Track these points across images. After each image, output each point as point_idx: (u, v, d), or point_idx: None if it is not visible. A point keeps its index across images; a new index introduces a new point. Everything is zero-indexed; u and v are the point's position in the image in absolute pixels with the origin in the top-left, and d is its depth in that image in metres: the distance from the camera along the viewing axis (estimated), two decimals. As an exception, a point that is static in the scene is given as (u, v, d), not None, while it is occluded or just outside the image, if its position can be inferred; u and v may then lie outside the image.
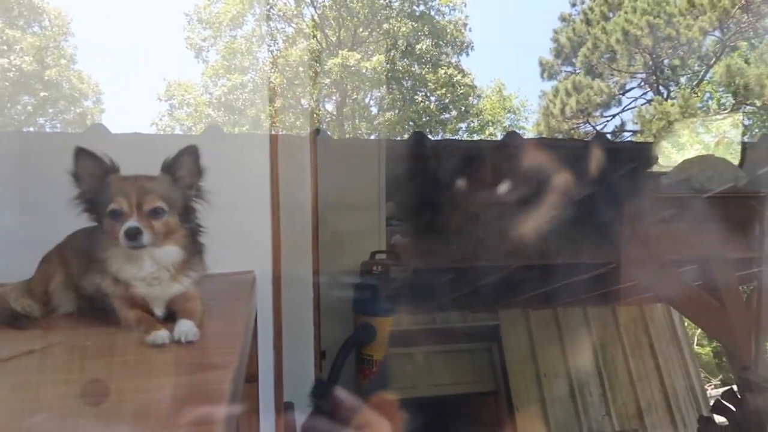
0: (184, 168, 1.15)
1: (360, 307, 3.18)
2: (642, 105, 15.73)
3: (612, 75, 17.10)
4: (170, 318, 1.10)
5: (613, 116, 17.09)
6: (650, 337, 5.56)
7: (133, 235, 1.04)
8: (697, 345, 10.14)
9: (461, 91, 16.65)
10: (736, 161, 3.21)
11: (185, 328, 1.03)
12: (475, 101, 18.70)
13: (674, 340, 5.61)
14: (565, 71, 18.31)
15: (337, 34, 16.79)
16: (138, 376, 0.88)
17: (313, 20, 17.08)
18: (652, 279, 3.32)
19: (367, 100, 17.61)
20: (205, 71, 16.42)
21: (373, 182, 3.50)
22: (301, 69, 15.49)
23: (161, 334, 1.00)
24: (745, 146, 3.27)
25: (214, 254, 1.35)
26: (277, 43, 16.84)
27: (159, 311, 1.11)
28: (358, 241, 3.41)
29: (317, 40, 16.39)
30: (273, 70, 15.94)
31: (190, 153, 1.15)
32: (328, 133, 6.73)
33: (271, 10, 16.97)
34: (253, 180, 2.07)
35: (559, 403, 5.02)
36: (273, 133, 2.39)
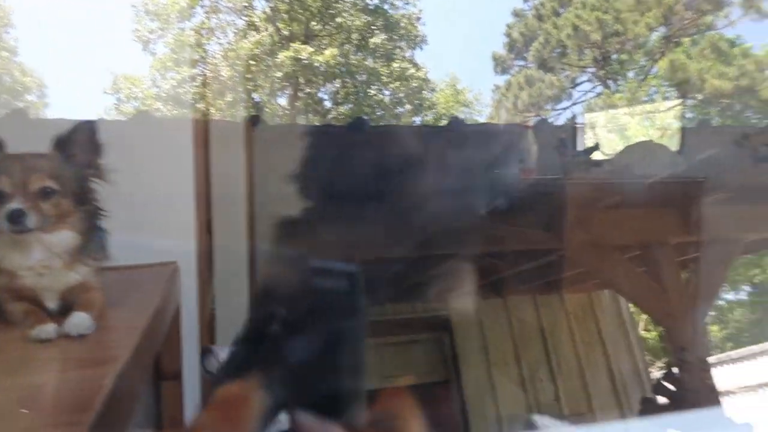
0: (78, 145, 1.05)
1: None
2: (592, 98, 16.12)
3: (563, 69, 17.46)
4: (67, 311, 1.01)
5: (564, 109, 17.48)
6: (598, 323, 5.68)
7: (16, 217, 0.93)
8: (643, 330, 10.47)
9: (415, 85, 16.66)
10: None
11: (77, 320, 0.93)
12: (429, 95, 18.76)
13: (621, 325, 5.75)
14: (518, 65, 18.60)
15: (289, 27, 16.54)
16: (9, 374, 0.79)
17: (265, 13, 16.78)
18: (596, 264, 3.35)
19: (320, 94, 17.44)
20: (152, 64, 15.93)
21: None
22: (252, 62, 15.20)
23: (46, 329, 0.90)
24: (684, 132, 3.34)
25: (134, 243, 1.26)
26: (228, 36, 16.49)
27: (52, 303, 1.01)
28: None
29: (269, 33, 16.11)
30: (223, 64, 15.58)
31: (86, 129, 1.05)
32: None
33: (221, 2, 16.59)
34: (181, 165, 1.97)
35: (509, 390, 5.07)
36: (205, 118, 2.29)
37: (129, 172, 1.14)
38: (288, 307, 0.53)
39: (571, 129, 4.28)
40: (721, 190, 3.18)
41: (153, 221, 1.62)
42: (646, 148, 3.15)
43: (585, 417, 5.19)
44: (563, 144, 3.25)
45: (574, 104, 16.93)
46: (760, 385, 8.34)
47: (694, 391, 3.02)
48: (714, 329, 16.80)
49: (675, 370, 3.53)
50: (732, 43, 13.51)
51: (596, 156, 3.98)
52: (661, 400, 3.65)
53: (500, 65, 18.57)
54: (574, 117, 17.00)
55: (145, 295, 1.27)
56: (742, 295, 16.15)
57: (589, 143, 4.22)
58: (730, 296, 16.19)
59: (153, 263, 1.50)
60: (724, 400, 3.21)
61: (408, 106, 18.03)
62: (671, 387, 3.51)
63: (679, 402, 3.41)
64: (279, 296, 0.56)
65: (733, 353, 9.93)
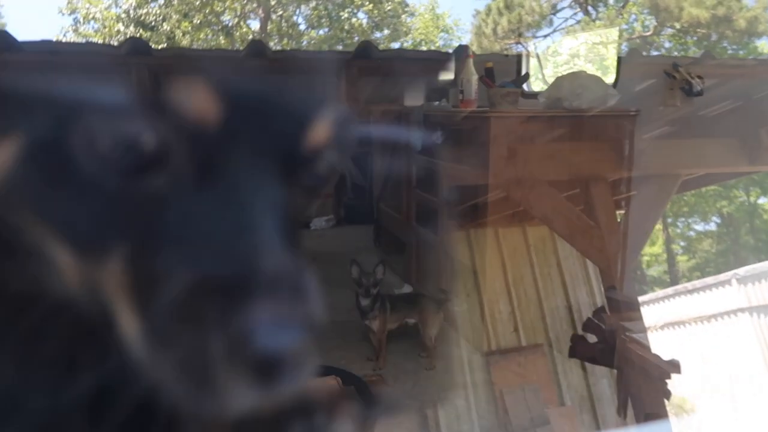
0: None
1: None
2: (571, 26, 15.58)
3: (544, -7, 16.78)
4: None
5: (545, 36, 16.92)
6: (558, 256, 5.68)
7: None
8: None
9: (389, 8, 15.94)
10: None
11: None
12: (409, 19, 18.03)
13: (581, 258, 5.76)
14: (498, -11, 17.84)
15: (259, -56, 15.56)
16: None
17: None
18: (526, 201, 3.23)
19: (294, 18, 16.67)
20: (112, -19, 15.00)
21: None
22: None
23: None
24: (619, 62, 3.14)
25: None
26: (193, -47, 15.48)
27: None
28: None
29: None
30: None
31: None
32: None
33: None
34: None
35: (469, 322, 5.10)
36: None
37: None
38: None
39: (515, 59, 4.05)
40: (656, 125, 3.03)
41: None
42: (577, 79, 2.96)
43: (542, 348, 5.28)
44: (488, 74, 3.04)
45: (555, 31, 16.37)
46: (714, 316, 8.53)
47: (618, 329, 2.99)
48: (682, 259, 17.17)
49: (605, 308, 3.50)
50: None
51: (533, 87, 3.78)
52: (591, 338, 3.64)
53: (481, -12, 17.81)
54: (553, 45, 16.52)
55: None
56: (711, 226, 16.39)
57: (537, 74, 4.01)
58: (699, 227, 16.44)
59: None
60: (650, 338, 3.19)
61: (386, 31, 17.34)
62: (600, 324, 3.49)
63: (607, 339, 3.40)
64: None
65: (698, 282, 10.12)
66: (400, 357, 3.22)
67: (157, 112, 0.29)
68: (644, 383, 2.28)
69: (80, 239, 0.30)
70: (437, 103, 3.98)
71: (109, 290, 0.30)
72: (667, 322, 8.99)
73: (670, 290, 9.54)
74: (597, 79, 2.99)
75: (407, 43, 18.70)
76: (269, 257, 0.29)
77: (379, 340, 3.06)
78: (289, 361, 0.27)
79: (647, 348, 3.15)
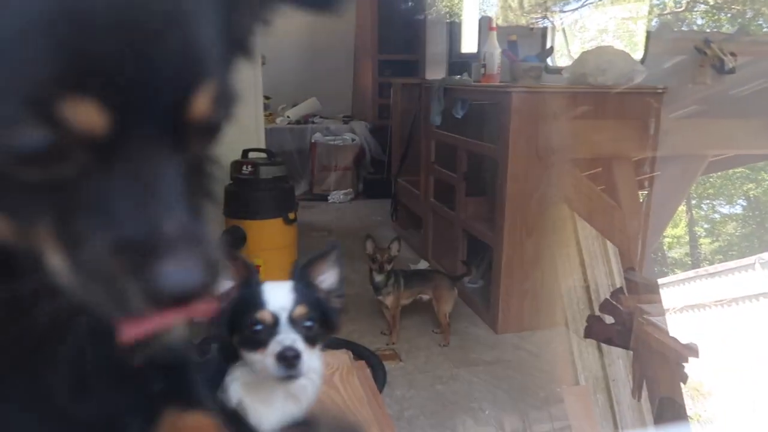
0: None
1: (228, 210, 2.98)
2: (599, 1, 15.13)
3: (575, -35, 16.28)
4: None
5: (573, 10, 16.48)
6: (577, 234, 5.61)
7: None
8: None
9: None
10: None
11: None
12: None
13: (600, 238, 5.68)
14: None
15: None
16: None
17: None
18: (551, 179, 3.18)
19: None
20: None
21: (250, 65, 3.16)
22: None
23: None
24: (648, 37, 3.03)
25: None
26: None
27: None
28: (230, 138, 3.13)
29: None
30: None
31: None
32: None
33: None
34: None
35: (485, 299, 5.09)
36: None
37: None
38: None
39: (540, 32, 3.95)
40: (684, 103, 2.93)
41: None
42: (603, 54, 2.87)
43: (558, 327, 5.25)
44: (511, 48, 2.97)
45: (583, 5, 15.95)
46: (735, 300, 8.40)
47: (633, 311, 2.95)
48: (705, 242, 16.83)
49: (624, 289, 3.46)
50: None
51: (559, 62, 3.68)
52: (609, 319, 3.61)
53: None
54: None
55: None
56: (737, 209, 16.01)
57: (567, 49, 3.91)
58: (724, 210, 16.06)
59: None
60: (669, 321, 3.15)
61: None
62: (618, 306, 3.45)
63: (624, 321, 3.37)
64: None
65: (720, 266, 9.93)
66: (413, 332, 3.22)
67: (50, 124, 0.34)
68: (660, 366, 2.25)
69: (8, 211, 0.38)
70: (458, 77, 3.91)
71: (37, 242, 0.38)
72: (687, 304, 8.87)
73: (691, 273, 9.40)
74: (624, 55, 2.90)
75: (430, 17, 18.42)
76: (170, 219, 0.36)
77: (393, 315, 3.06)
78: (185, 294, 0.35)
79: (665, 331, 3.10)
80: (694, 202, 3.11)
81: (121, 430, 0.54)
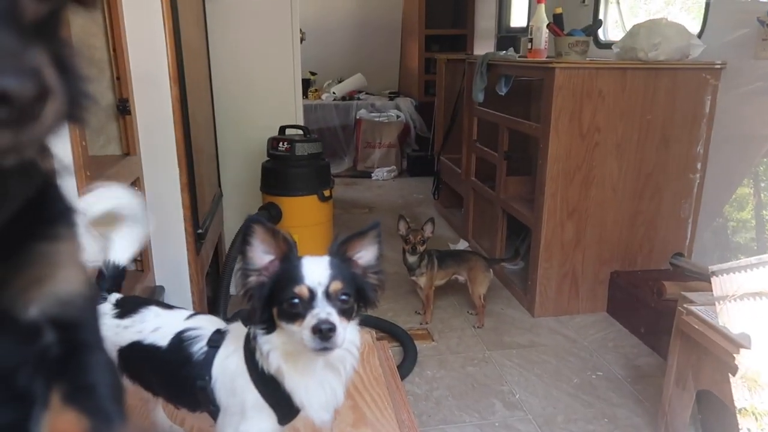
0: None
1: (265, 187, 3.00)
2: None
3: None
4: None
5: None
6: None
7: None
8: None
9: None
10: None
11: None
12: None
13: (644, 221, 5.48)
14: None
15: None
16: None
17: None
18: (595, 160, 3.06)
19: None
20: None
21: (288, 43, 3.16)
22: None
23: None
24: (707, 9, 2.83)
25: None
26: None
27: None
28: (269, 114, 3.15)
29: None
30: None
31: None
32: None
33: None
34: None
35: (523, 282, 5.01)
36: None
37: None
38: None
39: (592, 4, 3.76)
40: (744, 80, 2.74)
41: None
42: (656, 27, 2.70)
43: (597, 314, 5.12)
44: (556, 21, 2.83)
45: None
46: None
47: (676, 299, 2.82)
48: (772, 229, 15.89)
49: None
50: None
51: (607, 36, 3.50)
52: (648, 305, 3.48)
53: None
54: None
55: None
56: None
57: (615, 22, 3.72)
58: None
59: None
60: (727, 308, 3.01)
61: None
62: (659, 293, 3.31)
63: (661, 311, 3.24)
64: None
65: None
66: (448, 312, 3.20)
67: None
68: (702, 358, 2.14)
69: None
70: (504, 52, 3.79)
71: None
72: (747, 291, 8.45)
73: (753, 259, 8.95)
74: (679, 28, 2.72)
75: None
76: None
77: (426, 295, 3.04)
78: (9, 95, 0.35)
79: (709, 322, 2.95)
80: (763, 185, 2.92)
81: (23, 388, 0.50)
